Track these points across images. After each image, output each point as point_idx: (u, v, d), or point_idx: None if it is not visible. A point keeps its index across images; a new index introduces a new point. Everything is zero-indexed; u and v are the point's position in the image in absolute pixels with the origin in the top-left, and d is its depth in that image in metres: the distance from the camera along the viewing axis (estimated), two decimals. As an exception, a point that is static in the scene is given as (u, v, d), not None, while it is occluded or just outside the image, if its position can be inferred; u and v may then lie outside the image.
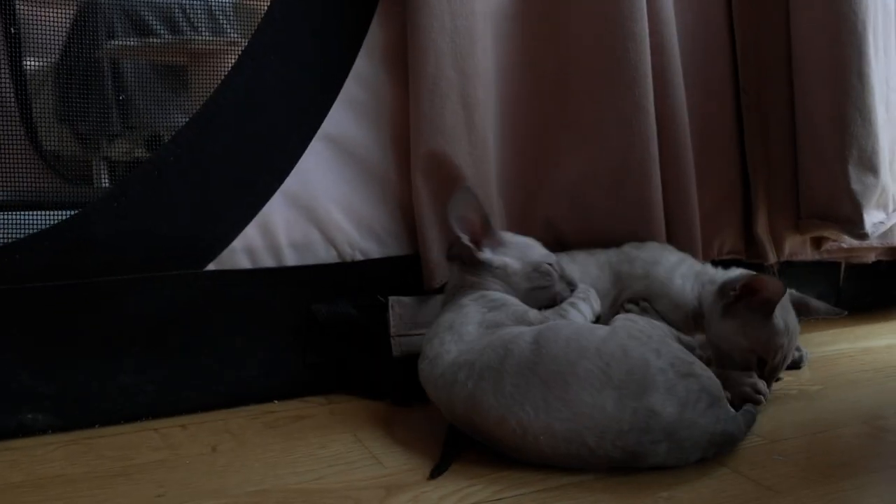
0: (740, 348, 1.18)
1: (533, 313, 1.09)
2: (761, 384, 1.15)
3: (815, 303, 1.26)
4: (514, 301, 1.11)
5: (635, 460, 0.94)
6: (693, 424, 0.95)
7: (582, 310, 1.13)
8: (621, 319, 1.06)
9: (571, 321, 1.09)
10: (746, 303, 1.17)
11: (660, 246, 1.34)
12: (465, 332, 1.06)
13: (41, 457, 1.04)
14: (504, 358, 0.97)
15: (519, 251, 1.17)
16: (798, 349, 1.27)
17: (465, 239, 1.13)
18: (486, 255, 1.15)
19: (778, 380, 1.23)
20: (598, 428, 0.93)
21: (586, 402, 0.93)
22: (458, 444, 1.03)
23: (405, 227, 1.30)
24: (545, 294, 1.15)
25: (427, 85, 1.23)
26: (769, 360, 1.17)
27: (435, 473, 0.97)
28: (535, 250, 1.18)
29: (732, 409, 1.01)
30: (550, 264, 1.16)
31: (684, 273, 1.29)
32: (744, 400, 1.13)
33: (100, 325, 1.13)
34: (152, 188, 1.15)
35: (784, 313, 1.18)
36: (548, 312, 1.11)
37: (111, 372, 1.14)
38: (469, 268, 1.15)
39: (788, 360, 1.20)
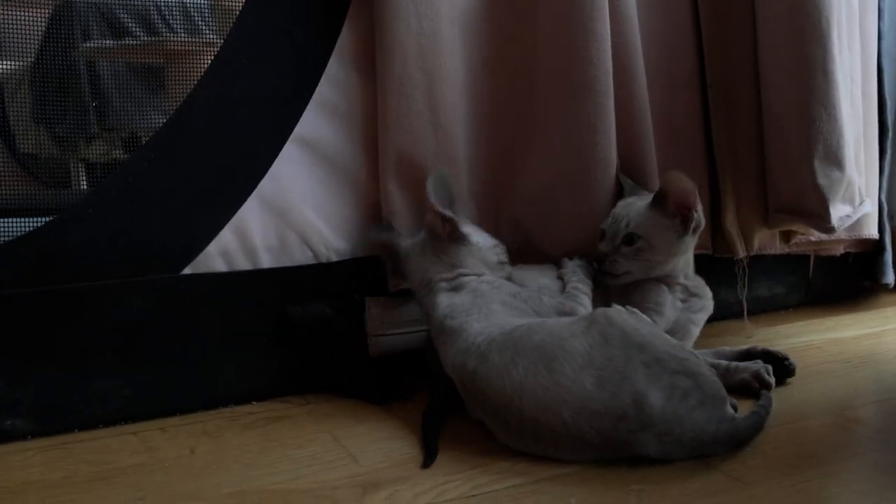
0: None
1: (547, 299, 1.18)
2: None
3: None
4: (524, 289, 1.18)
5: (610, 447, 0.96)
6: (677, 420, 0.96)
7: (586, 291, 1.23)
8: (600, 310, 1.08)
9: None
10: None
11: None
12: (491, 311, 1.11)
13: (20, 462, 1.04)
14: (513, 329, 1.04)
15: (475, 228, 1.23)
16: (786, 358, 1.30)
17: (449, 213, 1.17)
18: (466, 229, 1.20)
19: None
20: (576, 402, 0.96)
21: (568, 376, 0.97)
22: (437, 430, 1.07)
23: (380, 227, 1.30)
24: (501, 270, 1.22)
25: (394, 86, 1.24)
26: (604, 228, 1.28)
27: (427, 463, 1.00)
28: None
29: (732, 412, 1.02)
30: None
31: None
32: (760, 382, 1.21)
33: (76, 331, 1.13)
34: (127, 194, 1.16)
35: (633, 197, 1.31)
36: (562, 297, 1.20)
37: (89, 377, 1.14)
38: (444, 248, 1.19)
39: (623, 230, 1.25)
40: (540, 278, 1.27)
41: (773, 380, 1.22)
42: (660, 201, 1.24)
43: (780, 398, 1.19)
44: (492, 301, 1.12)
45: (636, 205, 1.27)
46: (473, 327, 1.08)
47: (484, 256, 1.20)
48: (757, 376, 1.22)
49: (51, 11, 1.95)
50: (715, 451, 0.99)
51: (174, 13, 2.10)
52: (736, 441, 1.01)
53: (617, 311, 1.06)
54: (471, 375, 1.04)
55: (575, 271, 1.26)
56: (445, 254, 1.19)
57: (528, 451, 1.00)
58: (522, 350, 1.01)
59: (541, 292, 1.19)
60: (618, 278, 1.26)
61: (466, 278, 1.17)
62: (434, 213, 1.17)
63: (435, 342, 1.14)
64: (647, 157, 1.38)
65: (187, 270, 1.19)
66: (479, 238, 1.21)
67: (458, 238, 1.19)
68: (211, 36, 2.00)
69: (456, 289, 1.16)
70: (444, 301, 1.15)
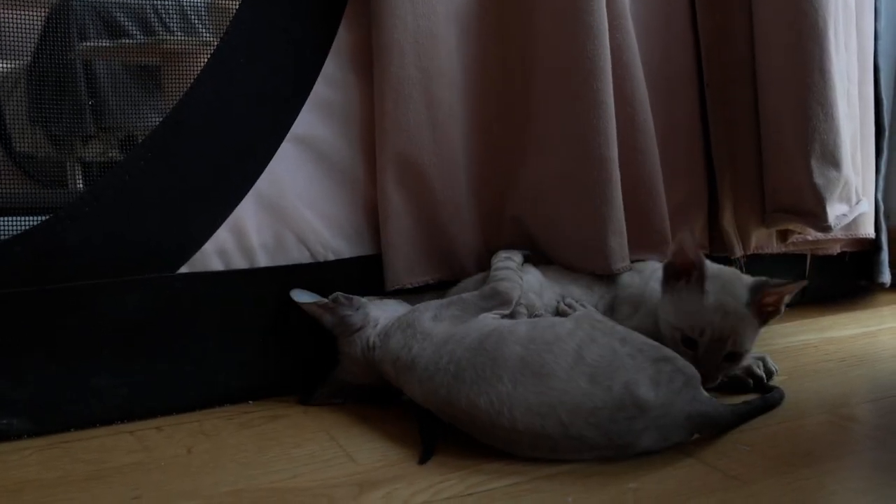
0: (669, 325, 1.16)
1: (467, 296, 1.18)
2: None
3: (774, 281, 1.17)
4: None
5: (611, 442, 0.97)
6: (669, 403, 0.98)
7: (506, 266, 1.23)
8: (580, 313, 1.15)
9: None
10: (685, 280, 1.16)
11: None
12: (428, 332, 1.11)
13: (16, 462, 1.04)
14: (479, 342, 1.04)
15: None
16: (764, 361, 1.26)
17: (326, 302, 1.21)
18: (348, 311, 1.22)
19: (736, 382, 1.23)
20: (572, 403, 0.97)
21: (560, 378, 0.98)
22: (435, 427, 1.06)
23: (376, 226, 1.31)
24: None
25: (391, 85, 1.24)
26: (697, 339, 1.12)
27: (424, 459, 1.01)
28: None
29: (707, 394, 1.04)
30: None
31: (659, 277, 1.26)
32: (751, 376, 1.22)
33: (73, 330, 1.13)
34: (123, 192, 1.16)
35: (719, 291, 1.14)
36: (482, 286, 1.20)
37: (85, 375, 1.14)
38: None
39: (728, 348, 1.13)
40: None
41: (763, 373, 1.23)
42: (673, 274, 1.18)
43: (777, 397, 1.20)
44: (421, 323, 1.13)
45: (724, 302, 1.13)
46: (424, 354, 1.08)
47: (381, 305, 1.23)
48: (748, 371, 1.23)
49: (48, 11, 1.95)
50: (701, 431, 1.02)
51: (171, 13, 2.09)
52: (719, 421, 1.04)
53: (594, 312, 1.14)
54: (445, 399, 1.03)
55: (500, 260, 1.26)
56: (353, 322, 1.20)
57: (523, 456, 1.00)
58: (503, 362, 1.01)
59: (459, 295, 1.20)
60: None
61: (384, 321, 1.18)
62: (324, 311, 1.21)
63: (403, 389, 1.13)
64: (649, 153, 1.37)
65: (184, 269, 1.19)
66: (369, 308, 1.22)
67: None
68: (207, 36, 1.99)
69: (387, 335, 1.15)
70: (383, 350, 1.15)
